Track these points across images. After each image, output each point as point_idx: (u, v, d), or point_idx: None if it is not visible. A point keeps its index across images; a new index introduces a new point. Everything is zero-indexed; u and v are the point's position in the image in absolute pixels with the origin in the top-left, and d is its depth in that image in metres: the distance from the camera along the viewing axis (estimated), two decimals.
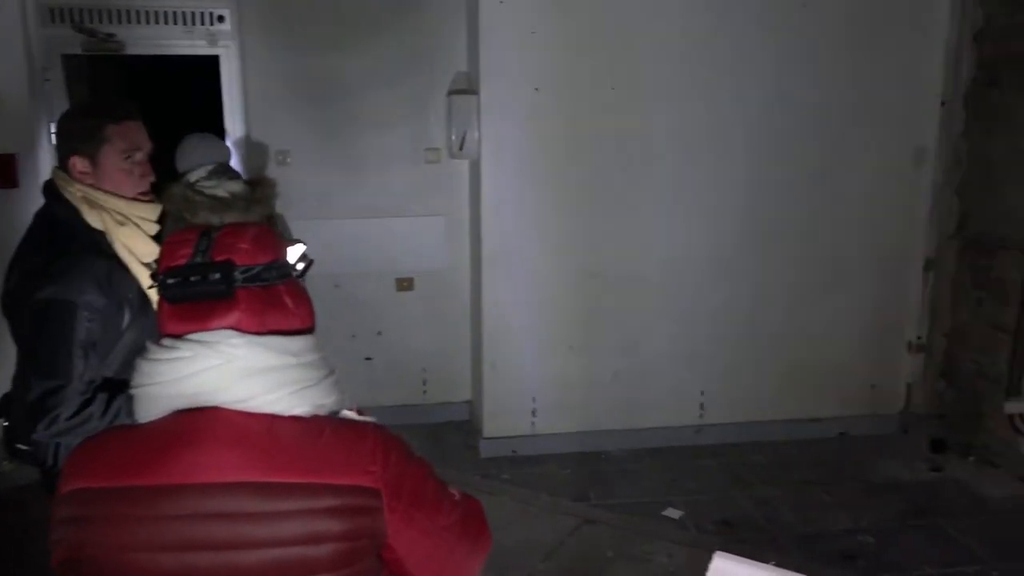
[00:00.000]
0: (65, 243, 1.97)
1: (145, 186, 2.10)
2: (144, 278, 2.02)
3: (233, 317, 1.22)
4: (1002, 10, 4.37)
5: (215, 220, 2.86)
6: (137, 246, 2.04)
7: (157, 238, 2.10)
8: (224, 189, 3.04)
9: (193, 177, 3.13)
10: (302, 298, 1.32)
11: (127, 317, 2.00)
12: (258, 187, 3.11)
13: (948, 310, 4.79)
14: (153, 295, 2.02)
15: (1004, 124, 4.36)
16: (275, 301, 1.26)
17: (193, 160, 3.24)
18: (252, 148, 4.52)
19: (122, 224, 2.03)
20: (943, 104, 4.60)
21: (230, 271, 1.22)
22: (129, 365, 1.97)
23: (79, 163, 2.02)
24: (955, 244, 4.72)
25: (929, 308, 4.84)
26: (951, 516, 3.94)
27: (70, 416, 1.88)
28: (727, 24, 4.34)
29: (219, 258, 1.23)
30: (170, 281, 1.23)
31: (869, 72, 4.48)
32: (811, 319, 4.69)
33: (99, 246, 2.00)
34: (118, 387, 1.96)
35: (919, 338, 4.86)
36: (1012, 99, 4.31)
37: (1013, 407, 4.19)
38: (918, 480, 4.32)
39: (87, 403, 1.90)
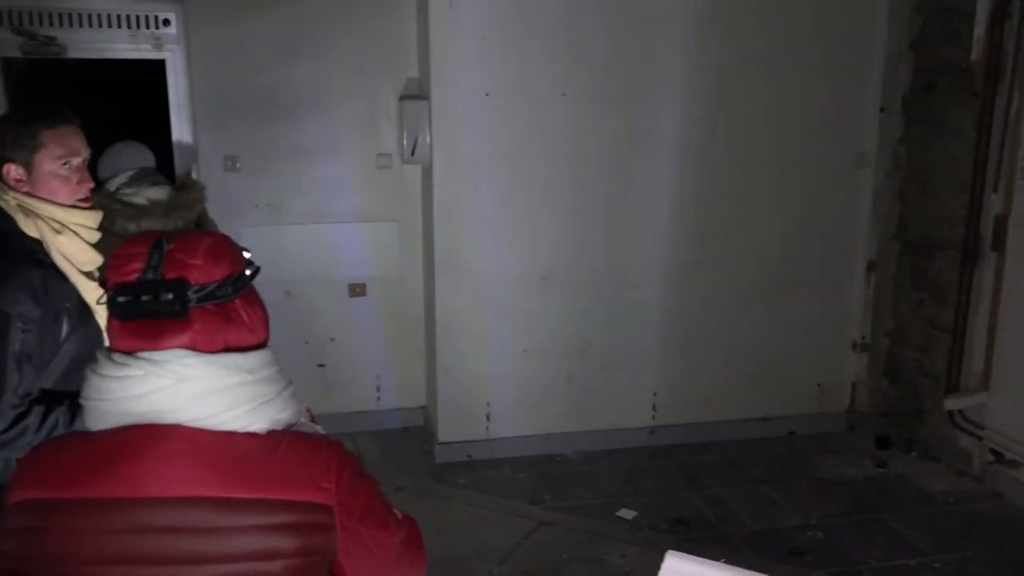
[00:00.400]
0: None
1: (84, 193, 2.03)
2: (84, 287, 1.99)
3: (186, 337, 1.19)
4: (937, 18, 4.52)
5: (132, 227, 2.86)
6: (75, 254, 2.00)
7: (99, 245, 2.07)
8: (143, 196, 3.03)
9: (113, 185, 3.11)
10: (257, 311, 1.29)
11: (66, 327, 1.95)
12: (183, 192, 3.09)
13: (890, 310, 4.93)
14: (98, 306, 2.00)
15: (940, 130, 4.51)
16: (230, 318, 1.23)
17: (115, 167, 3.20)
18: (198, 153, 4.45)
19: (59, 232, 1.97)
20: (882, 110, 4.74)
21: (183, 290, 1.18)
22: (70, 375, 1.96)
23: (13, 170, 1.96)
24: (896, 246, 4.86)
25: (872, 309, 4.97)
26: (895, 510, 4.05)
27: (4, 430, 1.83)
28: (674, 32, 4.40)
29: (171, 275, 1.19)
30: (120, 299, 1.19)
31: (812, 80, 4.59)
32: (759, 321, 4.79)
33: (35, 255, 1.95)
34: (58, 399, 1.92)
35: (863, 338, 4.99)
36: (947, 105, 4.46)
37: (952, 403, 4.32)
38: (864, 476, 4.43)
39: (22, 416, 1.85)
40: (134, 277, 1.19)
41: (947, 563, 3.59)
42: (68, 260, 1.98)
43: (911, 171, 4.75)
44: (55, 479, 1.18)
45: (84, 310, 1.99)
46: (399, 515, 1.36)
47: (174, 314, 1.18)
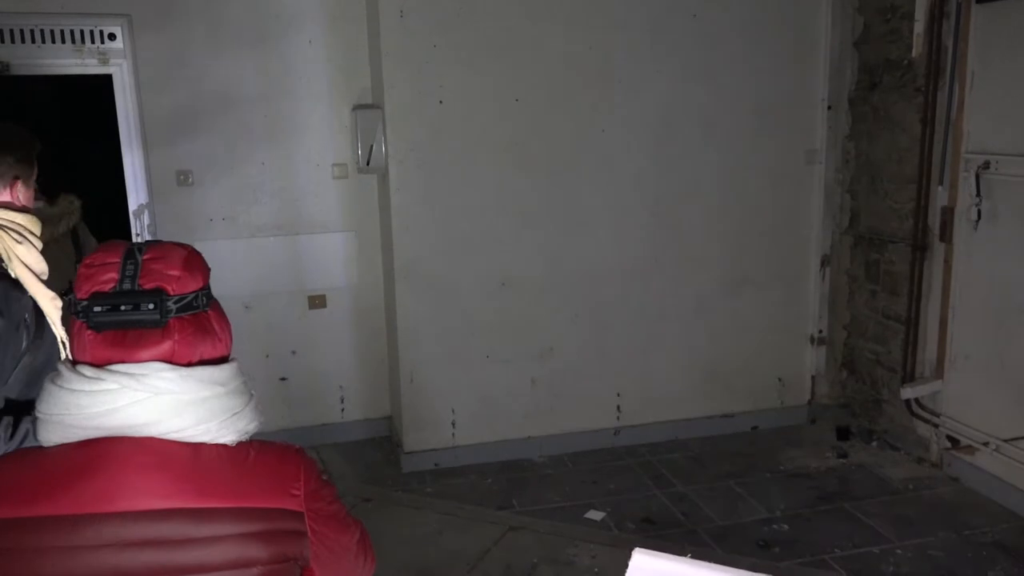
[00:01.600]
0: None
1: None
2: (41, 295, 1.98)
3: (166, 347, 1.18)
4: (879, 18, 4.63)
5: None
6: (34, 263, 2.00)
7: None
8: None
9: None
10: (225, 322, 1.29)
11: (25, 339, 1.94)
12: (50, 206, 3.12)
13: (845, 303, 5.03)
14: (55, 316, 1.97)
15: (886, 125, 4.62)
16: (205, 328, 1.23)
17: None
18: (149, 168, 4.39)
19: (19, 243, 1.98)
20: (829, 108, 4.84)
21: (164, 300, 1.18)
22: (31, 387, 1.93)
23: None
24: (848, 240, 4.97)
25: (828, 302, 5.06)
26: (857, 499, 4.13)
27: None
28: (624, 35, 4.45)
29: (149, 284, 1.18)
30: (97, 308, 1.17)
31: (759, 79, 4.67)
32: (718, 318, 4.85)
33: None
34: (24, 409, 1.89)
35: (820, 332, 5.08)
36: (892, 101, 4.57)
37: (909, 392, 4.42)
38: (826, 467, 4.51)
39: None
40: (109, 287, 1.18)
41: (908, 548, 3.67)
42: (29, 268, 1.98)
43: (860, 166, 4.85)
44: (19, 497, 1.15)
45: (40, 320, 1.98)
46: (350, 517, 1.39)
47: (154, 324, 1.17)
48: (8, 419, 1.86)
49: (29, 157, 2.12)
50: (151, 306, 1.17)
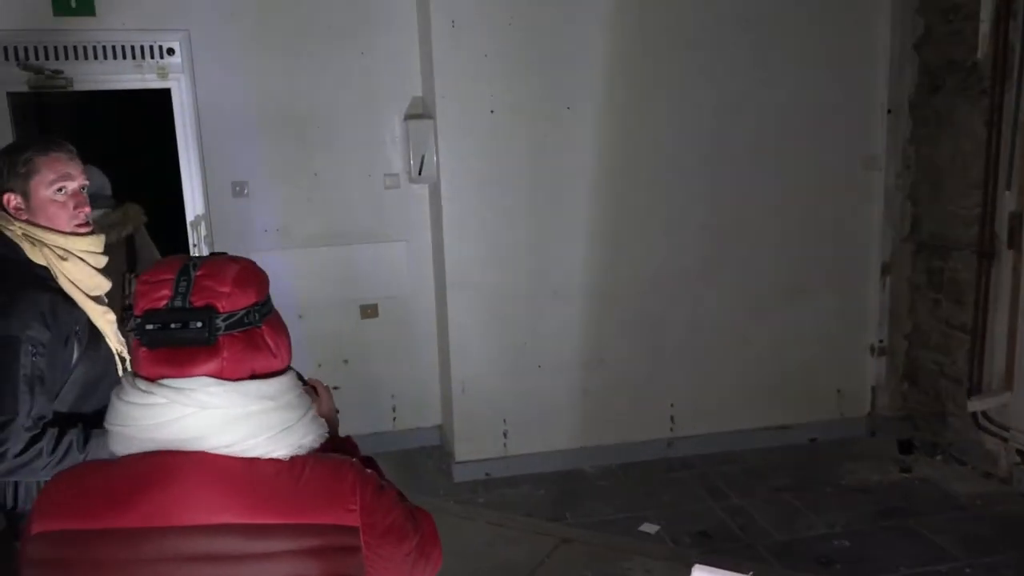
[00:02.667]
0: (6, 279, 1.93)
1: (81, 218, 2.03)
2: (92, 311, 2.00)
3: (214, 365, 1.18)
4: (940, 19, 4.50)
5: None
6: (83, 280, 2.01)
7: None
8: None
9: None
10: (282, 336, 1.28)
11: (76, 352, 1.96)
12: (113, 212, 3.23)
13: (907, 312, 4.88)
14: (108, 330, 2.00)
15: (948, 129, 4.48)
16: (257, 344, 1.22)
17: None
18: (206, 180, 4.46)
19: (64, 259, 1.99)
20: (889, 112, 4.71)
21: (212, 319, 1.17)
22: (83, 400, 1.97)
23: (12, 199, 1.99)
24: (909, 247, 4.82)
25: (888, 311, 4.92)
26: (922, 515, 3.99)
27: (18, 453, 1.83)
28: (677, 41, 4.40)
29: (199, 302, 1.18)
30: (149, 327, 1.18)
31: (817, 85, 4.57)
32: (775, 328, 4.74)
33: (43, 280, 1.96)
34: (71, 422, 1.93)
35: (881, 341, 4.94)
36: (955, 104, 4.42)
37: (976, 405, 4.26)
38: (888, 481, 4.37)
39: (36, 439, 1.85)
40: (162, 304, 1.19)
41: (978, 568, 3.53)
42: (75, 285, 1.99)
43: (921, 172, 4.71)
44: (80, 509, 1.17)
45: (94, 334, 2.00)
46: (413, 516, 1.34)
47: (202, 342, 1.17)
48: (53, 431, 1.88)
49: (15, 168, 1.97)
50: (199, 324, 1.17)
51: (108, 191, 3.29)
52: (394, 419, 4.89)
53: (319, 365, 4.70)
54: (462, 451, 4.54)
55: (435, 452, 4.89)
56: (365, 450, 4.65)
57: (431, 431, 4.95)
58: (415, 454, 4.85)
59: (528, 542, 3.80)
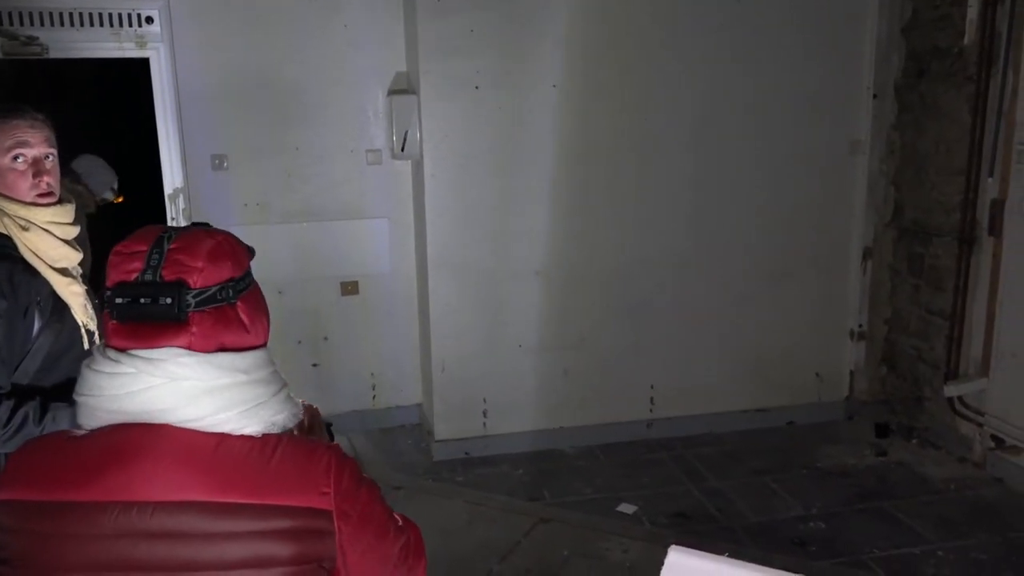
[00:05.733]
0: None
1: (43, 188, 1.96)
2: (57, 283, 1.95)
3: (183, 339, 1.15)
4: (927, 4, 4.48)
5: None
6: (46, 251, 1.95)
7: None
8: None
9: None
10: (259, 313, 1.25)
11: (37, 323, 1.91)
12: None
13: (887, 298, 4.90)
14: (74, 302, 1.95)
15: (934, 114, 4.48)
16: (230, 321, 1.19)
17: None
18: (185, 153, 4.39)
19: (25, 229, 1.93)
20: (875, 97, 4.70)
21: (183, 295, 1.14)
22: (46, 372, 1.93)
23: None
24: (891, 233, 4.84)
25: (869, 296, 4.94)
26: (897, 498, 4.03)
27: None
28: (665, 23, 4.37)
29: (170, 276, 1.15)
30: (118, 300, 1.15)
31: (803, 67, 4.55)
32: (756, 311, 4.75)
33: (1, 248, 1.91)
34: (29, 394, 1.89)
35: (860, 326, 4.96)
36: (941, 90, 4.42)
37: (952, 390, 4.30)
38: (864, 465, 4.41)
39: None
40: (133, 277, 1.16)
41: (950, 550, 3.57)
42: (37, 256, 1.94)
43: (905, 157, 4.72)
44: (44, 480, 1.15)
45: (58, 305, 1.95)
46: (399, 521, 1.32)
47: (171, 318, 1.14)
48: (9, 403, 1.85)
49: None
50: (169, 300, 1.14)
51: (115, 185, 3.38)
52: (374, 397, 4.87)
53: (299, 342, 4.67)
54: (442, 430, 4.53)
55: (415, 431, 4.87)
56: (344, 428, 4.61)
57: (411, 410, 4.93)
58: (394, 432, 4.84)
59: (506, 521, 3.80)
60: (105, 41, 4.21)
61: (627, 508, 3.97)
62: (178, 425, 1.14)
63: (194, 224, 1.28)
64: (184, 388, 1.14)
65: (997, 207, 4.09)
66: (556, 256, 4.48)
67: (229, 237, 1.26)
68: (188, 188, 4.42)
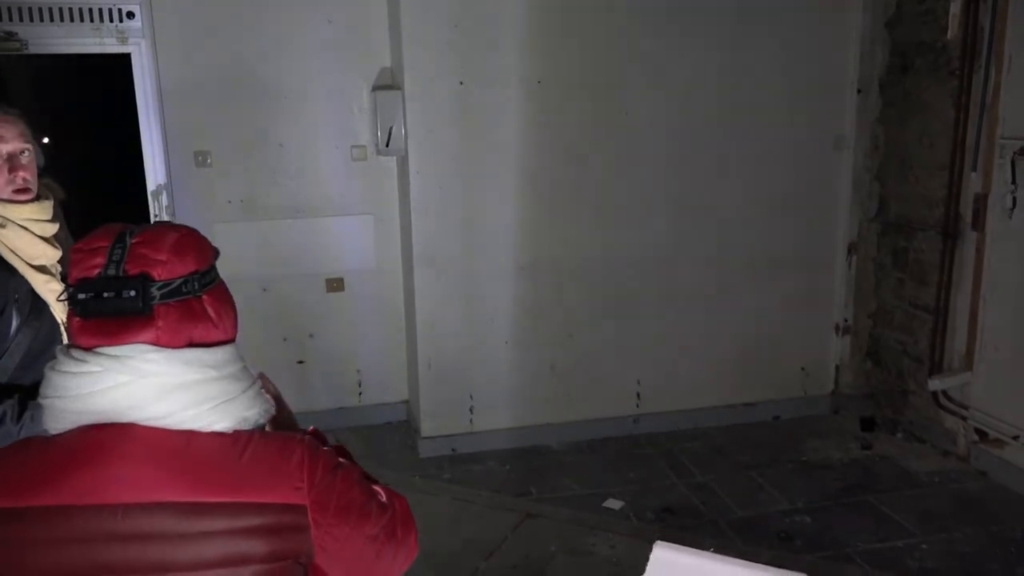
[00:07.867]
0: None
1: (18, 183, 1.93)
2: (36, 280, 1.93)
3: (149, 334, 1.14)
4: None
5: None
6: (23, 248, 1.93)
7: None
8: None
9: None
10: (226, 307, 1.24)
11: (15, 321, 1.89)
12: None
13: (872, 292, 4.92)
14: (55, 300, 1.93)
15: (917, 109, 4.50)
16: (196, 315, 1.18)
17: None
18: (167, 149, 4.35)
19: (2, 226, 1.91)
20: (859, 92, 4.72)
21: (147, 287, 1.13)
22: (24, 371, 1.91)
23: None
24: (876, 227, 4.85)
25: (854, 291, 4.96)
26: (881, 492, 4.05)
27: None
28: (648, 18, 4.36)
29: (134, 270, 1.13)
30: (81, 296, 1.13)
31: (787, 62, 4.56)
32: (741, 306, 4.76)
33: None
34: (7, 392, 1.87)
35: (845, 320, 4.98)
36: (924, 85, 4.44)
37: (936, 384, 4.32)
38: (850, 458, 4.43)
39: None
40: (95, 272, 1.14)
41: (934, 543, 3.59)
42: (15, 254, 1.92)
43: (889, 152, 4.74)
44: (12, 487, 1.13)
45: (37, 304, 1.93)
46: (383, 496, 1.29)
47: (136, 312, 1.13)
48: (11, 401, 1.83)
49: None
50: (133, 293, 1.13)
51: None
52: (360, 394, 4.85)
53: (284, 339, 4.65)
54: (428, 427, 4.52)
55: (401, 427, 4.86)
56: (330, 425, 4.58)
57: (397, 406, 4.92)
58: (381, 429, 4.83)
59: (493, 517, 3.80)
60: (86, 36, 4.16)
61: (614, 504, 3.97)
62: (146, 424, 1.13)
63: (156, 223, 1.27)
64: (152, 384, 1.12)
65: (980, 201, 4.11)
66: (542, 252, 4.47)
67: (193, 231, 1.25)
68: (171, 185, 4.39)
